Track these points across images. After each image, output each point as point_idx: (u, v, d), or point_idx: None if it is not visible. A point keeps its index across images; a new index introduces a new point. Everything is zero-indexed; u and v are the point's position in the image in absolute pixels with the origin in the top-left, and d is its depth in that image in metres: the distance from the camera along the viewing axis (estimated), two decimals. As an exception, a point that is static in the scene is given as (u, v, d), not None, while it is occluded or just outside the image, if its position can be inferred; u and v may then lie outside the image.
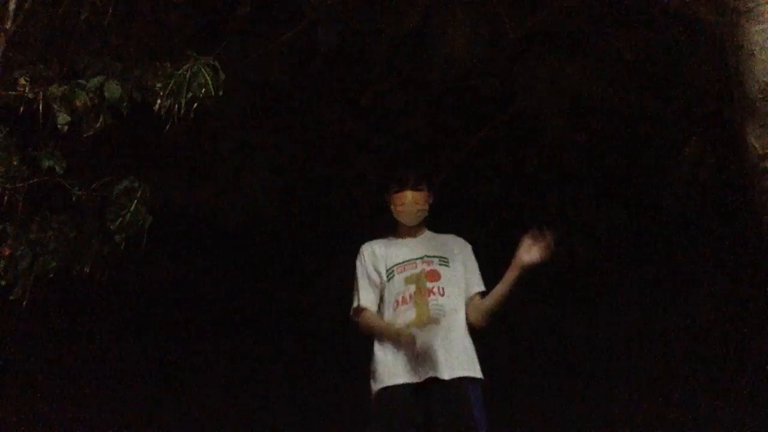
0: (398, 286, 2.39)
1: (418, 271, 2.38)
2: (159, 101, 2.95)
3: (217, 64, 3.07)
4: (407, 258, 2.44)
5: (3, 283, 3.04)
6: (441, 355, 2.24)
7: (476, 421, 2.16)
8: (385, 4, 3.99)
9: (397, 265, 2.44)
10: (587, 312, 5.90)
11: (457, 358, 2.26)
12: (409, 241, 2.49)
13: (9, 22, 2.86)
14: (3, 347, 5.23)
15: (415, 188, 2.47)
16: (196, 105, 2.99)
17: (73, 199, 3.16)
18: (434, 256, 2.41)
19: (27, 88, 2.89)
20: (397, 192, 2.49)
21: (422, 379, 2.24)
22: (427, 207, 2.51)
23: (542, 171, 5.47)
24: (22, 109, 2.91)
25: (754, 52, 2.23)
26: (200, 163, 4.85)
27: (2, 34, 2.86)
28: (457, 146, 5.28)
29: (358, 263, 2.55)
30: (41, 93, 2.88)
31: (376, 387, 2.33)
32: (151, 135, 3.80)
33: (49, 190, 3.18)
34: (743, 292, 5.38)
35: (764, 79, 2.19)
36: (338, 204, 5.40)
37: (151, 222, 3.18)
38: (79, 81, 2.91)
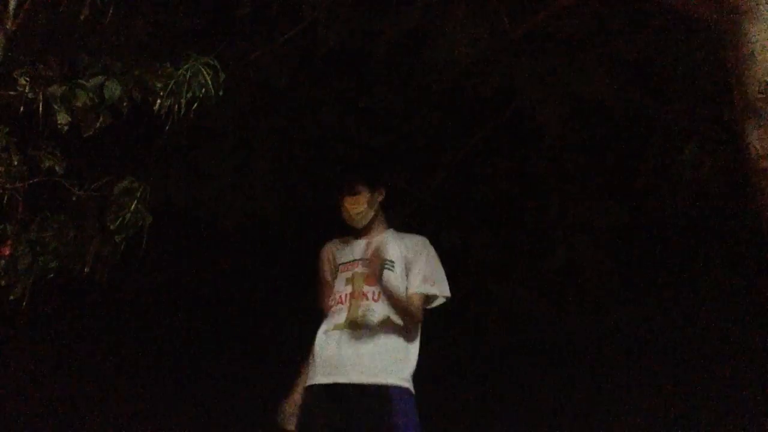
0: (339, 286, 2.38)
1: (356, 272, 2.35)
2: (159, 101, 2.95)
3: (217, 64, 3.07)
4: (351, 258, 2.42)
5: (3, 283, 3.04)
6: (366, 360, 2.18)
7: (396, 429, 2.09)
8: (385, 4, 3.98)
9: (342, 264, 2.43)
10: (587, 312, 5.90)
11: (382, 364, 2.18)
12: (360, 242, 2.45)
13: (9, 22, 2.86)
14: (3, 347, 5.23)
15: (351, 193, 2.42)
16: (196, 105, 2.99)
17: (73, 199, 3.16)
18: (376, 257, 2.31)
19: (27, 88, 2.89)
20: (338, 197, 2.47)
21: (341, 382, 2.19)
22: (367, 208, 2.44)
23: (542, 171, 5.47)
24: (22, 109, 2.91)
25: (754, 52, 2.23)
26: (200, 163, 4.84)
27: (2, 34, 2.86)
28: (457, 146, 5.28)
29: (319, 259, 2.57)
30: (41, 93, 2.88)
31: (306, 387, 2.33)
32: (151, 135, 3.80)
33: (49, 190, 3.18)
34: (744, 292, 5.38)
35: (764, 79, 2.19)
36: (338, 204, 5.38)
37: (151, 222, 3.18)
38: (79, 81, 2.92)
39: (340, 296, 2.34)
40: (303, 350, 2.50)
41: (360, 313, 2.25)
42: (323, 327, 2.37)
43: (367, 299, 2.28)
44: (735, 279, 5.42)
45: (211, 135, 4.67)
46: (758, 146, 2.18)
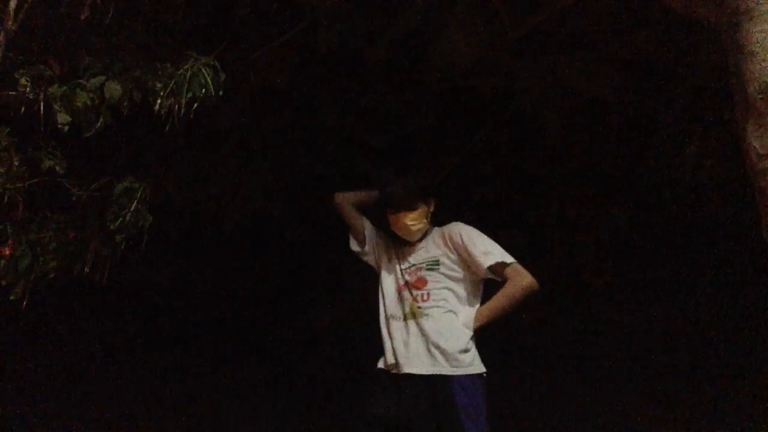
0: (389, 287, 2.47)
1: (402, 282, 2.43)
2: (159, 101, 2.95)
3: (217, 64, 3.07)
4: (405, 259, 2.49)
5: (3, 283, 3.04)
6: (424, 352, 2.27)
7: (459, 417, 2.15)
8: (385, 4, 3.98)
9: (404, 269, 2.49)
10: (587, 312, 5.90)
11: (441, 356, 2.26)
12: (406, 249, 2.51)
13: (9, 22, 2.86)
14: (3, 347, 5.23)
15: (410, 209, 2.45)
16: (196, 105, 2.99)
17: (73, 199, 3.16)
18: (423, 262, 2.42)
19: (27, 88, 2.89)
20: (392, 213, 2.49)
21: (400, 372, 2.27)
22: (426, 221, 2.50)
23: (542, 171, 5.47)
24: (22, 109, 2.91)
25: (754, 52, 2.23)
26: (200, 163, 4.84)
27: (2, 34, 2.86)
28: (457, 146, 5.28)
29: (369, 224, 2.63)
30: (41, 93, 2.88)
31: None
32: (151, 135, 3.80)
33: (49, 190, 3.18)
34: (744, 292, 5.38)
35: (764, 79, 2.19)
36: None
37: (151, 222, 3.18)
38: (79, 81, 2.91)
39: (392, 298, 2.42)
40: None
41: (420, 307, 2.33)
42: (382, 311, 2.44)
43: (417, 301, 2.36)
44: (735, 279, 5.42)
45: (211, 135, 4.67)
46: (758, 146, 2.18)
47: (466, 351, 2.30)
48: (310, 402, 5.73)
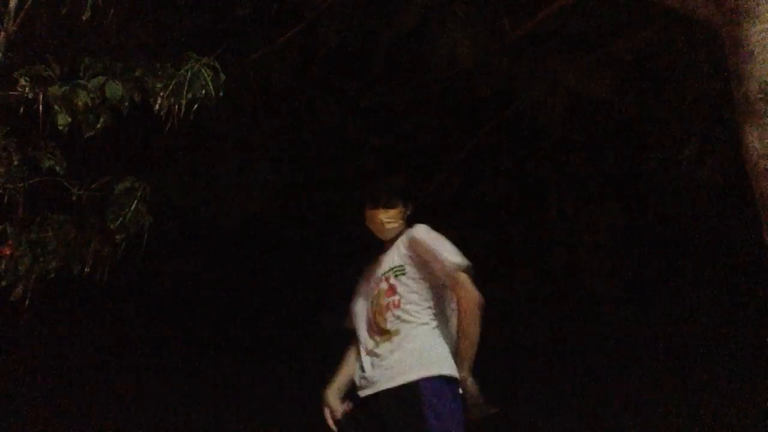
0: (365, 303, 2.43)
1: (377, 291, 2.38)
2: (159, 101, 2.95)
3: (217, 64, 3.07)
4: (377, 274, 2.43)
5: (4, 283, 3.04)
6: (394, 364, 2.20)
7: (427, 419, 2.06)
8: (385, 4, 3.98)
9: (369, 284, 2.45)
10: (587, 311, 5.89)
11: (409, 363, 2.18)
12: (382, 257, 2.45)
13: (9, 22, 2.86)
14: (3, 347, 5.23)
15: (387, 206, 2.42)
16: (196, 105, 2.99)
17: (73, 199, 3.16)
18: (391, 269, 2.36)
19: (27, 88, 2.89)
20: (369, 209, 2.46)
21: (367, 393, 2.22)
22: (401, 222, 2.45)
23: (542, 171, 5.47)
24: (22, 109, 2.91)
25: (754, 52, 2.23)
26: (200, 163, 4.85)
27: (2, 34, 2.86)
28: (457, 146, 5.28)
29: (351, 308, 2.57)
30: (41, 93, 2.88)
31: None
32: (151, 135, 3.80)
33: (49, 190, 3.18)
34: (743, 292, 5.38)
35: (764, 79, 2.19)
36: (338, 204, 5.40)
37: (151, 222, 3.18)
38: (80, 81, 2.91)
39: (371, 317, 2.38)
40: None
41: (389, 324, 2.28)
42: (361, 350, 2.38)
43: (390, 310, 2.30)
44: (734, 278, 5.42)
45: (211, 135, 4.67)
46: (758, 146, 2.18)
47: (432, 352, 2.22)
48: (310, 402, 5.73)
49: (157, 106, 2.96)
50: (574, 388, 5.69)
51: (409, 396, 2.13)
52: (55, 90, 2.87)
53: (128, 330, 6.17)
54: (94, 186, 3.18)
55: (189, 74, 2.97)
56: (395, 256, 2.38)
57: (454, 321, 2.34)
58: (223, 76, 3.05)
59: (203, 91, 2.97)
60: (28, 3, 2.89)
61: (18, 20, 2.89)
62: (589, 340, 5.92)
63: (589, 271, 5.57)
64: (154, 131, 3.20)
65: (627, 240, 5.57)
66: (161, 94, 2.94)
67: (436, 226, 2.57)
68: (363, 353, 2.34)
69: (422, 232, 2.37)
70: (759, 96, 2.19)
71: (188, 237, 5.45)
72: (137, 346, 6.19)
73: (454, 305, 2.34)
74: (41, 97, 2.88)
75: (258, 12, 3.94)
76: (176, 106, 2.95)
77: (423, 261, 2.32)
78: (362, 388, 2.28)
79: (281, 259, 6.05)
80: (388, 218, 2.43)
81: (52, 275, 3.18)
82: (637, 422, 5.17)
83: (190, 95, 2.95)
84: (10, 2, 2.86)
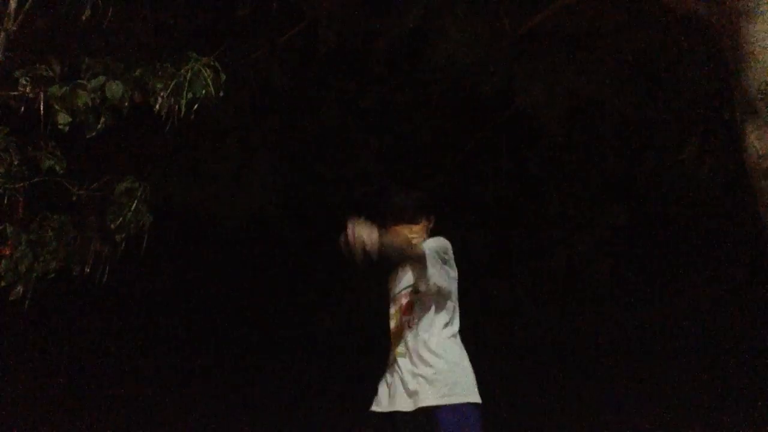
0: (390, 318, 2.40)
1: (397, 307, 2.35)
2: (159, 101, 2.95)
3: (217, 64, 3.07)
4: (395, 291, 2.40)
5: (4, 283, 3.04)
6: (410, 386, 2.18)
7: None
8: (385, 4, 3.99)
9: (393, 295, 2.41)
10: (587, 311, 5.90)
11: (426, 388, 2.15)
12: (401, 272, 2.41)
13: (9, 22, 2.86)
14: (3, 347, 5.23)
15: (411, 222, 2.35)
16: (196, 105, 2.99)
17: (73, 199, 3.16)
18: (409, 286, 2.32)
19: (27, 88, 2.89)
20: (394, 225, 2.42)
21: (390, 410, 2.19)
22: (425, 236, 2.43)
23: (542, 171, 5.47)
24: (22, 109, 2.91)
25: (754, 52, 2.23)
26: (200, 163, 4.85)
27: (2, 34, 2.86)
28: (457, 146, 5.29)
29: None
30: (41, 93, 2.88)
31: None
32: (151, 135, 3.80)
33: (49, 190, 3.18)
34: (743, 291, 5.38)
35: (764, 79, 2.19)
36: (338, 204, 5.41)
37: (151, 222, 3.18)
38: (80, 81, 2.92)
39: (391, 329, 2.36)
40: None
41: (408, 343, 2.26)
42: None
43: (408, 329, 2.28)
44: (734, 278, 5.42)
45: (211, 135, 4.67)
46: (758, 146, 2.18)
47: (450, 378, 2.17)
48: (310, 401, 5.73)
49: (157, 106, 2.96)
50: (574, 387, 5.69)
51: (425, 422, 2.11)
52: (55, 90, 2.87)
53: (128, 330, 6.17)
54: (94, 186, 3.18)
55: (189, 74, 2.97)
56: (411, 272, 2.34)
57: (457, 345, 2.30)
58: (223, 76, 3.05)
59: (203, 91, 2.97)
60: (28, 3, 2.89)
61: (18, 20, 2.89)
62: (589, 340, 5.92)
63: (589, 271, 5.57)
64: (154, 131, 3.20)
65: (627, 240, 5.57)
66: (161, 94, 2.94)
67: (436, 228, 2.56)
68: (387, 364, 2.32)
69: (430, 242, 2.37)
70: (759, 96, 2.20)
71: (188, 237, 5.45)
72: (137, 345, 6.19)
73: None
74: (41, 97, 2.88)
75: (258, 12, 3.94)
76: (176, 106, 2.95)
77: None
78: (380, 400, 2.26)
79: (281, 259, 6.05)
80: (414, 233, 2.40)
81: (52, 275, 3.17)
82: (637, 421, 5.17)
83: (190, 95, 2.95)
84: (10, 2, 2.86)
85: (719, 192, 4.59)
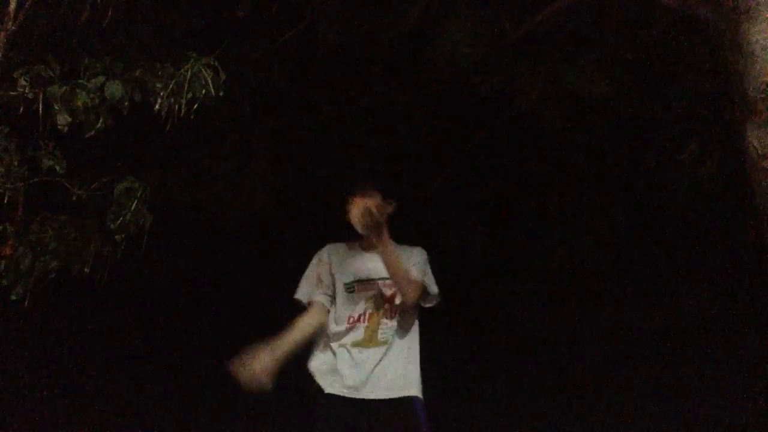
0: (357, 304, 2.35)
1: (378, 293, 2.35)
2: (159, 101, 2.96)
3: (217, 64, 3.07)
4: (371, 276, 2.37)
5: (4, 283, 3.04)
6: (389, 375, 2.25)
7: None
8: (385, 4, 3.99)
9: (360, 281, 2.38)
10: (587, 311, 5.90)
11: (405, 378, 2.26)
12: (373, 256, 2.35)
13: (9, 22, 2.87)
14: (3, 347, 5.23)
15: (363, 194, 2.31)
16: (196, 105, 2.99)
17: (73, 199, 3.16)
18: (387, 277, 2.34)
19: (27, 88, 2.90)
20: (350, 198, 2.41)
21: (361, 397, 2.24)
22: (378, 217, 2.41)
23: (542, 171, 5.47)
24: (22, 109, 2.91)
25: (754, 52, 2.23)
26: (200, 163, 4.85)
27: (2, 34, 2.87)
28: (457, 146, 5.29)
29: (317, 259, 2.49)
30: (41, 93, 2.88)
31: (320, 388, 2.36)
32: (151, 135, 3.81)
33: (49, 190, 3.18)
34: (743, 292, 5.38)
35: (764, 79, 2.19)
36: (338, 204, 5.40)
37: (151, 222, 3.18)
38: (80, 81, 2.92)
39: (360, 315, 2.35)
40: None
41: (380, 333, 2.30)
42: (336, 341, 2.37)
43: (387, 318, 2.32)
44: (734, 278, 5.42)
45: (211, 135, 4.68)
46: (758, 146, 2.18)
47: (417, 373, 2.31)
48: (309, 402, 5.73)
49: (157, 106, 2.97)
50: (574, 387, 5.70)
51: (406, 410, 2.21)
52: (55, 90, 2.87)
53: (128, 330, 6.17)
54: (94, 186, 3.18)
55: (189, 74, 2.97)
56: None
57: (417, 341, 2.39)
58: (223, 76, 3.06)
59: (203, 91, 2.97)
60: (28, 3, 2.89)
61: (18, 20, 2.89)
62: (589, 340, 5.92)
63: (589, 271, 5.58)
64: (154, 131, 3.20)
65: (627, 240, 5.57)
66: (161, 94, 2.95)
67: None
68: (342, 351, 2.32)
69: (426, 256, 2.41)
70: (759, 96, 2.20)
71: (188, 237, 5.45)
72: (137, 345, 6.19)
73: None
74: (41, 97, 2.88)
75: (258, 12, 3.94)
76: (176, 106, 2.95)
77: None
78: (351, 387, 2.27)
79: (281, 259, 6.05)
80: (364, 206, 2.38)
81: (52, 275, 3.18)
82: (637, 421, 5.17)
83: (190, 95, 2.96)
84: (10, 2, 2.86)
85: (719, 192, 4.59)
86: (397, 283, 2.28)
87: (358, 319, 2.34)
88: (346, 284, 2.40)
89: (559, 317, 5.92)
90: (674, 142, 4.62)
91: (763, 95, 2.18)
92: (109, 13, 3.10)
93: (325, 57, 4.33)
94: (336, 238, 2.60)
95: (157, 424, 5.44)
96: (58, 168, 3.04)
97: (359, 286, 2.39)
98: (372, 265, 2.38)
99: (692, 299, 5.69)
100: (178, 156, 4.70)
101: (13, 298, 3.09)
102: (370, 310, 2.34)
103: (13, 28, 2.88)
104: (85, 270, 3.25)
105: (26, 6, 2.90)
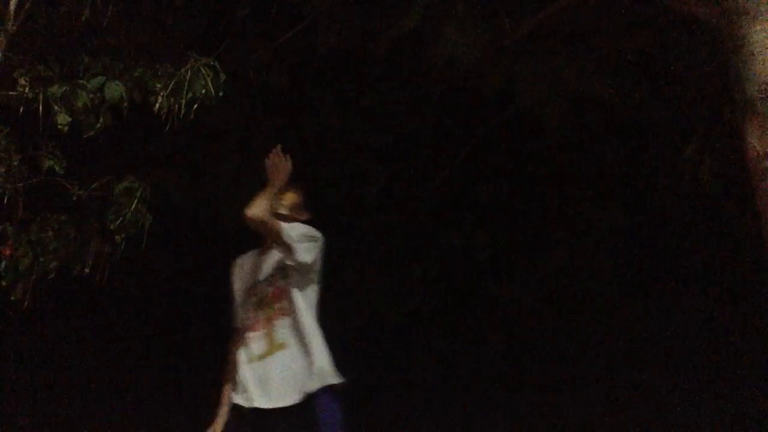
0: (250, 313, 2.24)
1: (265, 294, 2.24)
2: (159, 101, 2.96)
3: (217, 64, 3.07)
4: (258, 279, 2.28)
5: (4, 283, 3.05)
6: (287, 379, 2.12)
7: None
8: (385, 4, 3.99)
9: (250, 287, 2.29)
10: (587, 312, 5.90)
11: (302, 381, 2.11)
12: (264, 257, 2.30)
13: (9, 22, 2.87)
14: (3, 347, 5.23)
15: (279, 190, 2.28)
16: (196, 105, 2.99)
17: (73, 199, 3.17)
18: (276, 270, 2.24)
19: (27, 88, 2.90)
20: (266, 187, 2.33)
21: (266, 407, 2.11)
22: (288, 209, 2.35)
23: (542, 171, 5.47)
24: (22, 109, 2.91)
25: (754, 52, 2.23)
26: (200, 163, 4.85)
27: (2, 34, 2.87)
28: (457, 146, 5.29)
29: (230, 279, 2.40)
30: (41, 93, 2.88)
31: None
32: (151, 135, 3.81)
33: (49, 190, 3.18)
34: (743, 292, 5.38)
35: (764, 79, 2.19)
36: (338, 204, 5.41)
37: (151, 222, 3.18)
38: (80, 81, 2.92)
39: (254, 324, 2.22)
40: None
41: (278, 335, 2.17)
42: (244, 356, 2.22)
43: (280, 317, 2.19)
44: (734, 278, 5.42)
45: (211, 135, 4.68)
46: (758, 146, 2.18)
47: (322, 362, 2.13)
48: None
49: (157, 106, 2.97)
50: (574, 387, 5.69)
51: (304, 415, 2.07)
52: (55, 90, 2.88)
53: (128, 330, 6.17)
54: (94, 186, 3.19)
55: (189, 74, 2.97)
56: (275, 253, 2.25)
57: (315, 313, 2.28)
58: (223, 76, 3.06)
59: (203, 91, 2.97)
60: (28, 3, 2.89)
61: (18, 20, 2.89)
62: (589, 340, 5.92)
63: (589, 271, 5.57)
64: (154, 131, 3.20)
65: (627, 240, 5.57)
66: (161, 94, 2.95)
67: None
68: (246, 360, 2.20)
69: (297, 225, 2.30)
70: (759, 96, 2.19)
71: (188, 237, 5.45)
72: (137, 345, 6.19)
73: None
74: (41, 97, 2.88)
75: (258, 12, 3.94)
76: (176, 106, 2.96)
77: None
78: (247, 399, 2.16)
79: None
80: (280, 198, 2.36)
81: (52, 275, 3.18)
82: (637, 422, 5.17)
83: (190, 95, 2.96)
84: (10, 2, 2.86)
85: (719, 192, 4.59)
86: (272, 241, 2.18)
87: (254, 329, 2.22)
88: (240, 296, 2.33)
89: (559, 317, 5.92)
90: (674, 142, 4.62)
91: (763, 95, 2.18)
92: (109, 13, 3.10)
93: (325, 57, 4.33)
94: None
95: (157, 423, 5.44)
96: (57, 168, 3.04)
97: (250, 291, 2.30)
98: (260, 267, 2.31)
99: (692, 299, 5.69)
100: (178, 156, 4.70)
101: (13, 298, 3.09)
102: (261, 317, 2.22)
103: (13, 28, 2.89)
104: (85, 270, 3.25)
105: (26, 6, 2.90)
